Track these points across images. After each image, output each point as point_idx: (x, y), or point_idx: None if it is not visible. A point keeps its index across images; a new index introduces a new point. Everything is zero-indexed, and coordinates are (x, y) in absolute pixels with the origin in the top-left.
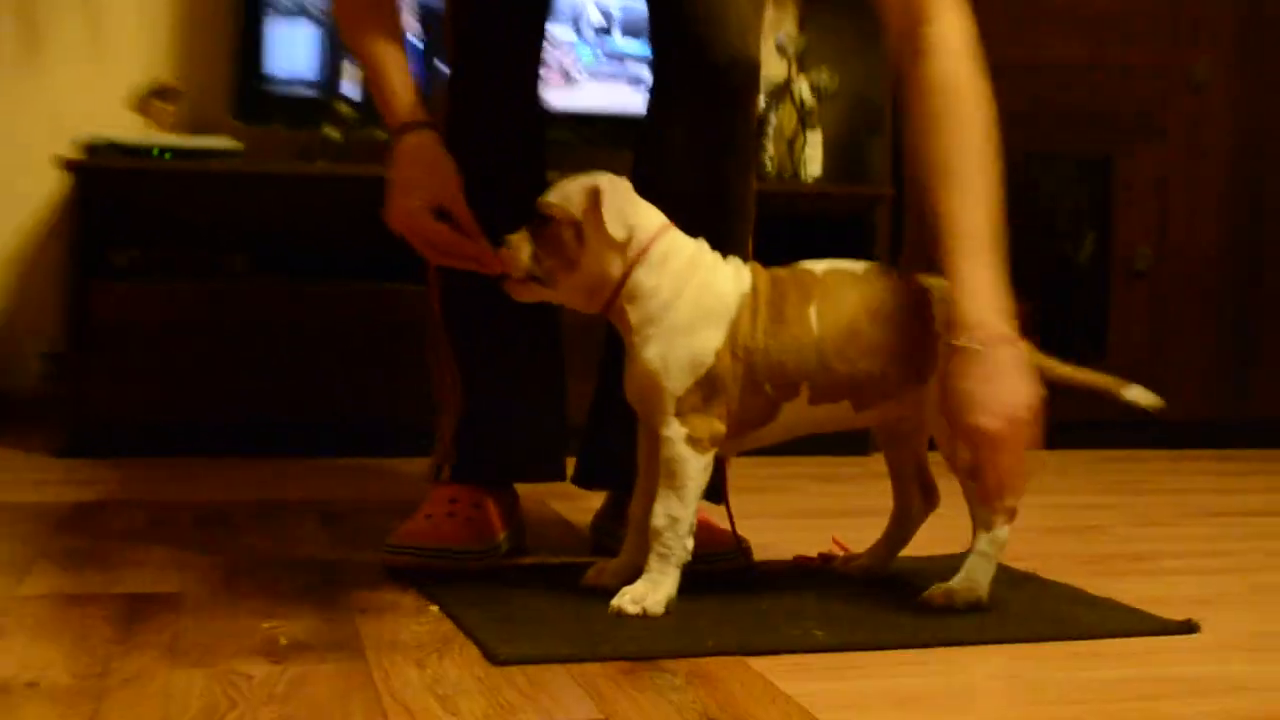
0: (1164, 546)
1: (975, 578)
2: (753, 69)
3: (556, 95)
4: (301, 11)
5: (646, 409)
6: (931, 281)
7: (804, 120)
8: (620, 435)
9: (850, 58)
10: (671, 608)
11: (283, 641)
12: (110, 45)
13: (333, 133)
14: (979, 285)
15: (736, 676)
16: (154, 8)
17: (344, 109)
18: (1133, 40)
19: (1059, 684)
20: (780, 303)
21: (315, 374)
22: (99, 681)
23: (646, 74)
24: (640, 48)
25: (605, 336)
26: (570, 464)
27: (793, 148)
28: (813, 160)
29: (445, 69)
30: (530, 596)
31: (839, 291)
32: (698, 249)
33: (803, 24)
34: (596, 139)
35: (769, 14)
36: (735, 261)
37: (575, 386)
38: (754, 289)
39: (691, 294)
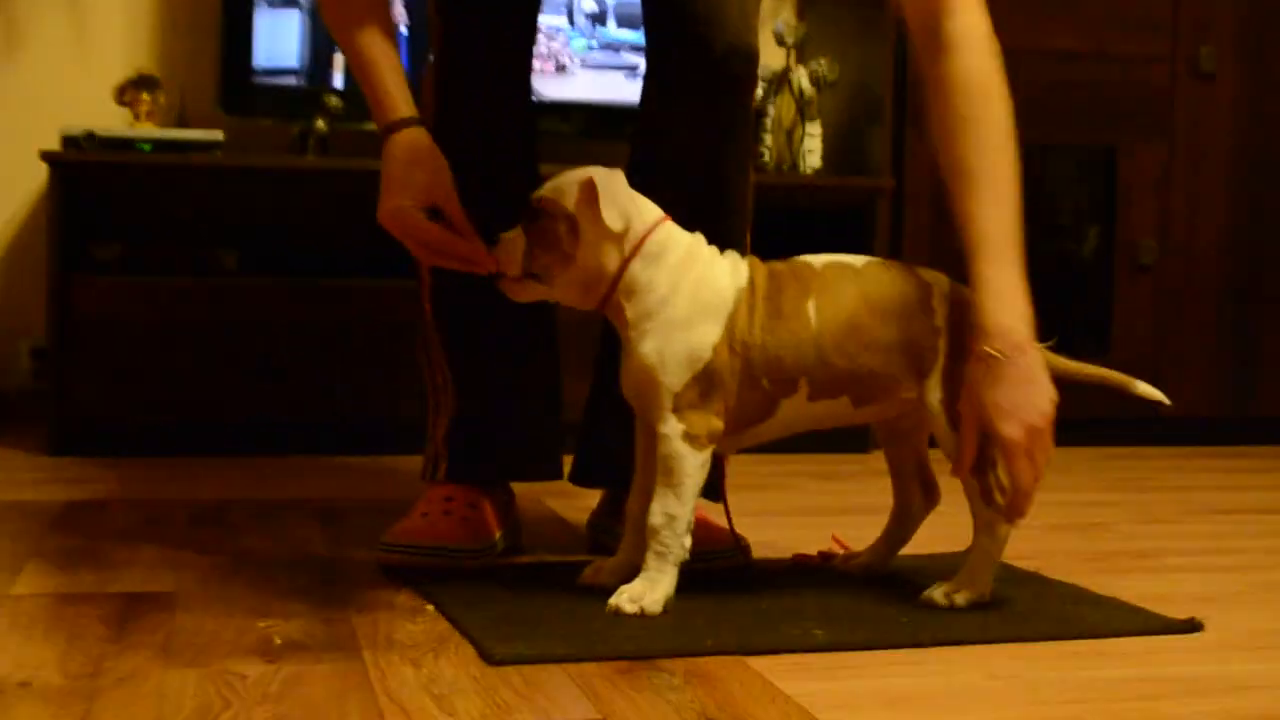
0: (1167, 544)
1: (977, 576)
2: (751, 58)
3: (549, 85)
4: (289, 1)
5: (643, 405)
6: (933, 276)
7: (803, 111)
8: (618, 433)
9: (850, 46)
10: (669, 607)
11: (277, 641)
12: (93, 35)
13: (322, 125)
14: (1003, 289)
15: (735, 676)
16: None
17: (333, 101)
18: (1137, 30)
19: (1061, 683)
20: (778, 297)
21: (307, 371)
22: (92, 681)
23: (642, 63)
24: (635, 36)
25: (601, 333)
26: (567, 462)
27: (791, 139)
28: (812, 152)
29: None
30: (526, 596)
31: (838, 286)
32: (694, 242)
33: (801, 12)
34: (590, 130)
35: (767, 1)
36: (733, 255)
37: (572, 384)
38: (751, 283)
39: (688, 288)
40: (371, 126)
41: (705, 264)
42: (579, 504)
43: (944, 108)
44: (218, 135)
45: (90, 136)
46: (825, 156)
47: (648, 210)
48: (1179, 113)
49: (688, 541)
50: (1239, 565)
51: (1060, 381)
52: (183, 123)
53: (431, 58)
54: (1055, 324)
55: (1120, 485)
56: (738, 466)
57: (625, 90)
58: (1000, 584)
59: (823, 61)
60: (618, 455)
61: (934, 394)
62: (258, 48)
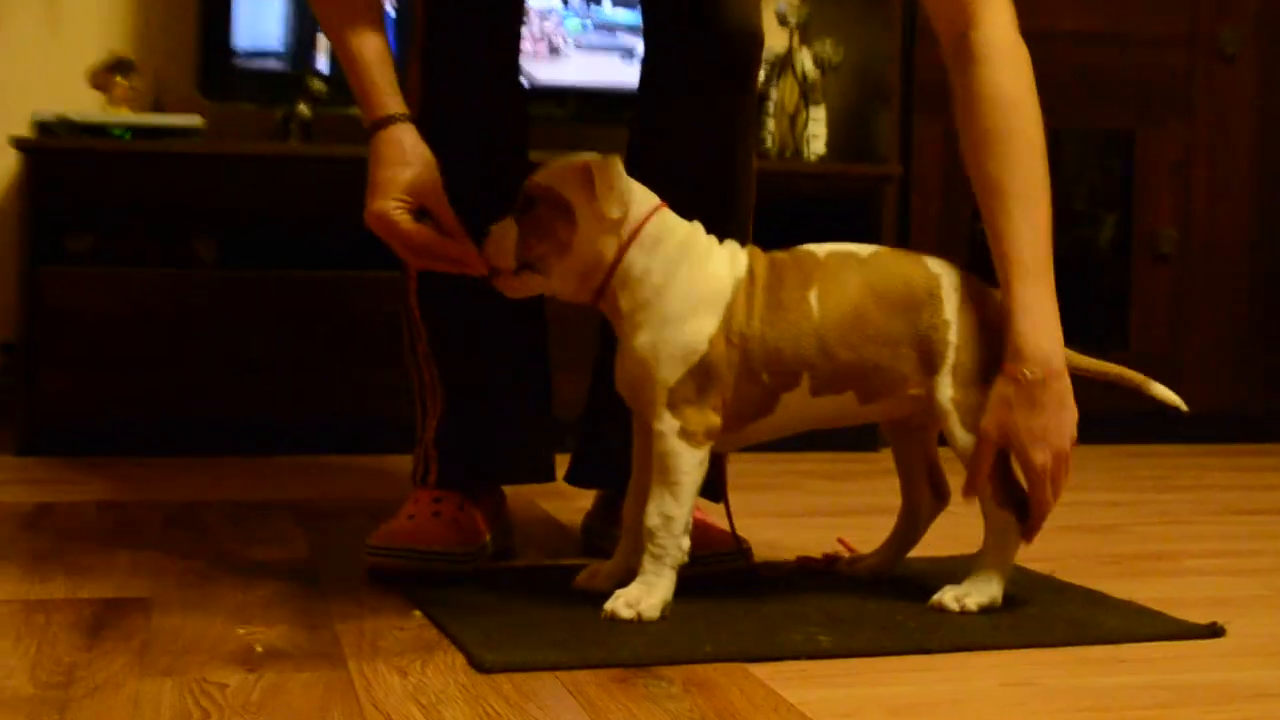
0: (1186, 546)
1: (989, 579)
2: (757, 39)
3: (542, 68)
4: None
5: (638, 401)
6: (942, 266)
7: (806, 95)
8: (617, 433)
9: (855, 28)
10: (667, 612)
11: (258, 649)
12: (66, 15)
13: (305, 109)
14: (1037, 309)
15: (736, 684)
16: None
17: (317, 84)
18: (1156, 10)
19: (1076, 691)
20: (778, 287)
21: (289, 367)
22: (64, 691)
23: (639, 45)
24: (632, 17)
25: (600, 329)
26: (560, 462)
27: (794, 124)
28: (816, 138)
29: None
30: (518, 600)
31: (842, 275)
32: (691, 231)
33: None
34: (585, 115)
35: None
36: (731, 245)
37: (570, 381)
38: (750, 273)
39: (684, 278)
40: (357, 111)
41: (702, 253)
42: (573, 506)
43: (973, 121)
44: (196, 120)
45: (63, 122)
46: (830, 142)
47: (644, 198)
48: (1199, 96)
49: (686, 543)
50: (1260, 568)
51: (1075, 377)
52: (160, 107)
53: (416, 42)
54: (1071, 316)
55: (1137, 485)
56: (739, 466)
57: (622, 73)
58: (1013, 587)
59: (827, 43)
60: (617, 456)
61: (944, 391)
62: (238, 29)
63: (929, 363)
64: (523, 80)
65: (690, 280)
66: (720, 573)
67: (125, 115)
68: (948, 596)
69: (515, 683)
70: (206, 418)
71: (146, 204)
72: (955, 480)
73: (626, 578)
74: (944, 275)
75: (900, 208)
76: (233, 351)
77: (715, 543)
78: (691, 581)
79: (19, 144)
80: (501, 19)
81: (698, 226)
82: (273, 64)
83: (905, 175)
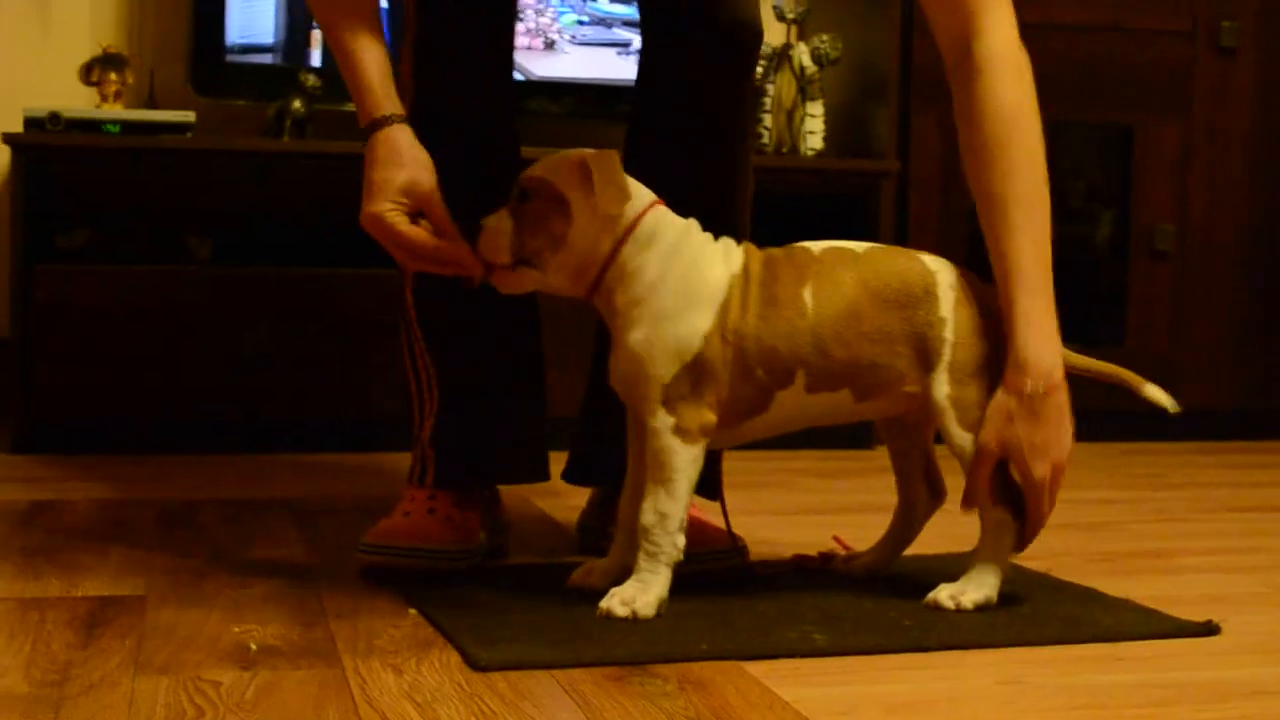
0: (1182, 544)
1: (984, 577)
2: (755, 34)
3: (537, 63)
4: None
5: (632, 398)
6: (938, 263)
7: (804, 90)
8: (616, 430)
9: (854, 21)
10: (663, 610)
11: (252, 647)
12: (58, 10)
13: (299, 105)
14: (1039, 321)
15: (731, 682)
16: None
17: (310, 80)
18: (1155, 3)
19: (1071, 689)
20: (773, 284)
21: (283, 365)
22: (58, 689)
23: (636, 39)
24: (628, 10)
25: (598, 327)
26: (558, 459)
27: (792, 119)
28: (813, 133)
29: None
30: (513, 599)
31: (837, 272)
32: (686, 227)
33: None
34: (581, 110)
35: None
36: (727, 241)
37: (568, 378)
38: (745, 269)
39: (679, 275)
40: (352, 107)
41: (697, 250)
42: (568, 503)
43: (974, 133)
44: (189, 116)
45: (55, 118)
46: (827, 138)
47: (640, 194)
48: (1199, 90)
49: (681, 541)
50: (1256, 565)
51: (1070, 375)
52: (152, 103)
53: (408, 37)
54: (1068, 313)
55: (1133, 482)
56: (735, 463)
57: (618, 68)
58: (1008, 585)
59: (825, 38)
60: (615, 454)
61: (940, 388)
62: (231, 24)
63: (925, 360)
64: (515, 75)
65: (685, 277)
66: (716, 571)
67: (117, 111)
68: (943, 594)
69: (510, 681)
70: (201, 415)
71: (139, 200)
72: (951, 478)
73: (622, 576)
74: (940, 272)
75: (898, 204)
76: (227, 349)
77: (711, 540)
78: (687, 579)
79: (10, 140)
80: (495, 13)
81: (693, 223)
82: (266, 59)
83: (903, 171)
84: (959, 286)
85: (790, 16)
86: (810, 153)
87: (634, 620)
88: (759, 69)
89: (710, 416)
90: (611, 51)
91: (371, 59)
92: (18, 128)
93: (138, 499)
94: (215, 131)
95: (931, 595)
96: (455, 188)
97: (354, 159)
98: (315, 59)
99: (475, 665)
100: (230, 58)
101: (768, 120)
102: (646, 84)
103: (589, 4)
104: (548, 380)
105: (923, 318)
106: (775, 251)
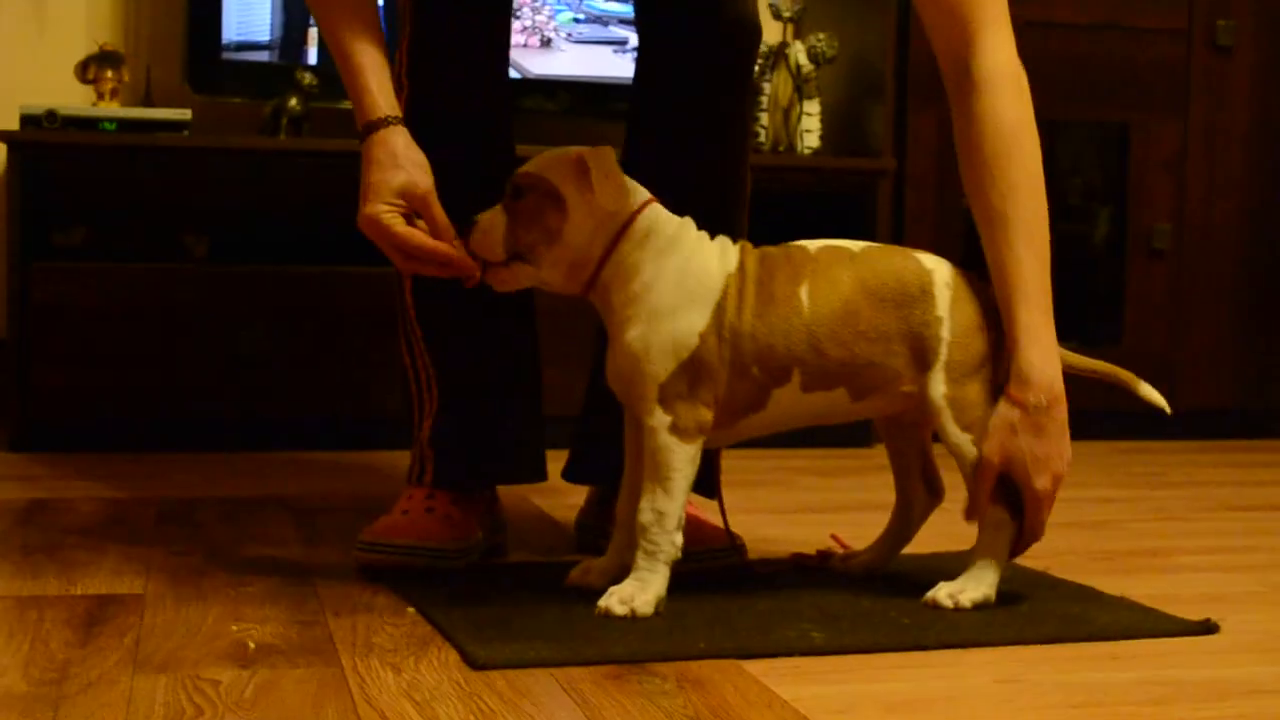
0: (1180, 543)
1: (982, 576)
2: (754, 33)
3: (533, 61)
4: None
5: (629, 396)
6: (935, 262)
7: (800, 88)
8: (615, 429)
9: (850, 20)
10: (661, 608)
11: (251, 645)
12: (54, 8)
13: (295, 103)
14: (1040, 335)
15: (730, 680)
16: None
17: (307, 78)
18: (1151, 1)
19: (1070, 687)
20: (769, 282)
21: (281, 363)
22: (57, 688)
23: (632, 37)
24: (624, 8)
25: (597, 327)
26: (555, 458)
27: (788, 118)
28: (810, 132)
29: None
30: (512, 597)
31: (833, 271)
32: (682, 226)
33: None
34: (577, 108)
35: None
36: (723, 239)
37: (567, 377)
38: (741, 268)
39: (674, 273)
40: (348, 105)
41: (692, 248)
42: (566, 502)
43: (973, 150)
44: (185, 114)
45: (51, 115)
46: (824, 136)
47: (636, 191)
48: (1196, 88)
49: (679, 539)
50: (1254, 564)
51: (1066, 375)
52: (148, 101)
53: (404, 35)
54: (1065, 312)
55: (1131, 481)
56: (733, 462)
57: (614, 66)
58: (1006, 584)
59: (821, 36)
60: (614, 452)
61: (937, 387)
62: (227, 22)
63: (921, 359)
64: (510, 72)
65: (681, 275)
66: (714, 569)
67: (114, 109)
68: (942, 593)
69: (509, 679)
70: (199, 413)
71: (136, 198)
72: (949, 477)
73: (620, 574)
74: (937, 271)
75: (894, 202)
76: (224, 346)
77: (709, 539)
78: (685, 578)
79: (7, 138)
80: (491, 14)
81: (688, 221)
82: (262, 57)
83: (899, 170)
84: (956, 285)
85: (786, 15)
86: (807, 151)
87: (632, 619)
88: (755, 67)
89: (707, 415)
90: (608, 49)
91: (370, 61)
92: (14, 125)
93: (136, 497)
94: (211, 129)
95: (930, 594)
96: (452, 188)
97: (350, 157)
98: (312, 57)
99: (474, 664)
100: (226, 55)
101: (764, 119)
102: (645, 83)
103: (585, 2)
104: (546, 379)
105: (919, 317)
106: (772, 250)
